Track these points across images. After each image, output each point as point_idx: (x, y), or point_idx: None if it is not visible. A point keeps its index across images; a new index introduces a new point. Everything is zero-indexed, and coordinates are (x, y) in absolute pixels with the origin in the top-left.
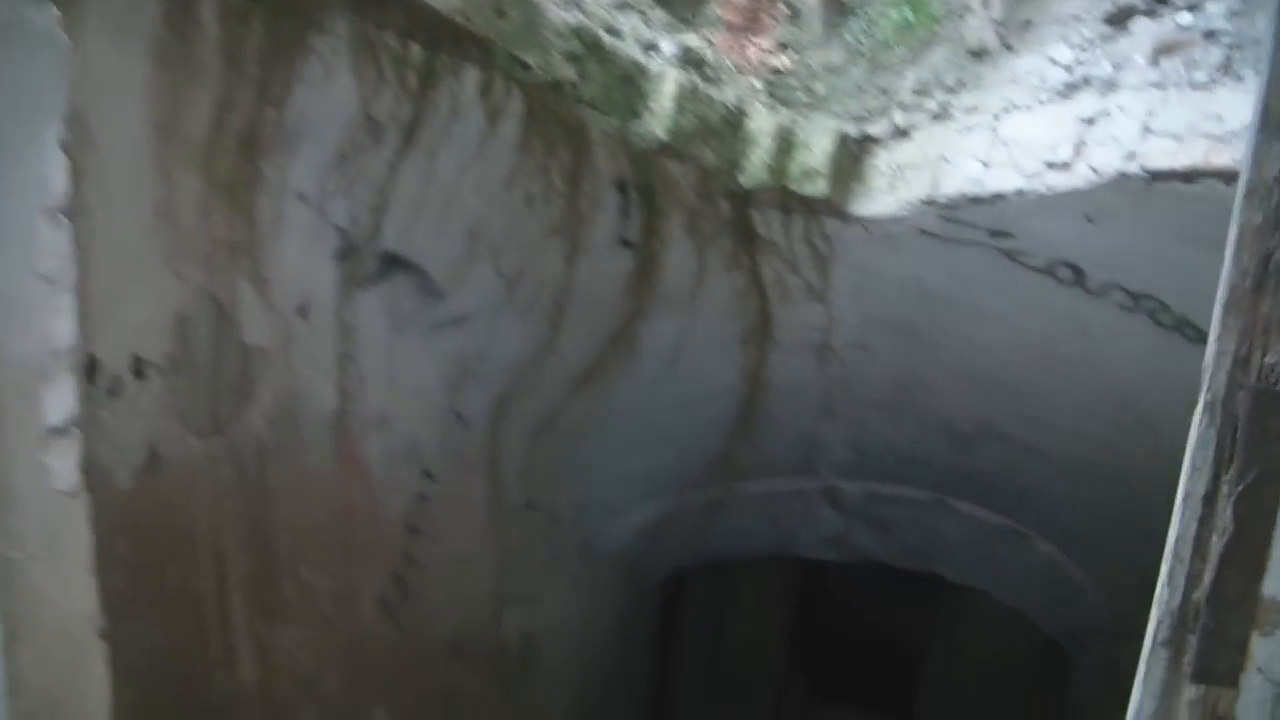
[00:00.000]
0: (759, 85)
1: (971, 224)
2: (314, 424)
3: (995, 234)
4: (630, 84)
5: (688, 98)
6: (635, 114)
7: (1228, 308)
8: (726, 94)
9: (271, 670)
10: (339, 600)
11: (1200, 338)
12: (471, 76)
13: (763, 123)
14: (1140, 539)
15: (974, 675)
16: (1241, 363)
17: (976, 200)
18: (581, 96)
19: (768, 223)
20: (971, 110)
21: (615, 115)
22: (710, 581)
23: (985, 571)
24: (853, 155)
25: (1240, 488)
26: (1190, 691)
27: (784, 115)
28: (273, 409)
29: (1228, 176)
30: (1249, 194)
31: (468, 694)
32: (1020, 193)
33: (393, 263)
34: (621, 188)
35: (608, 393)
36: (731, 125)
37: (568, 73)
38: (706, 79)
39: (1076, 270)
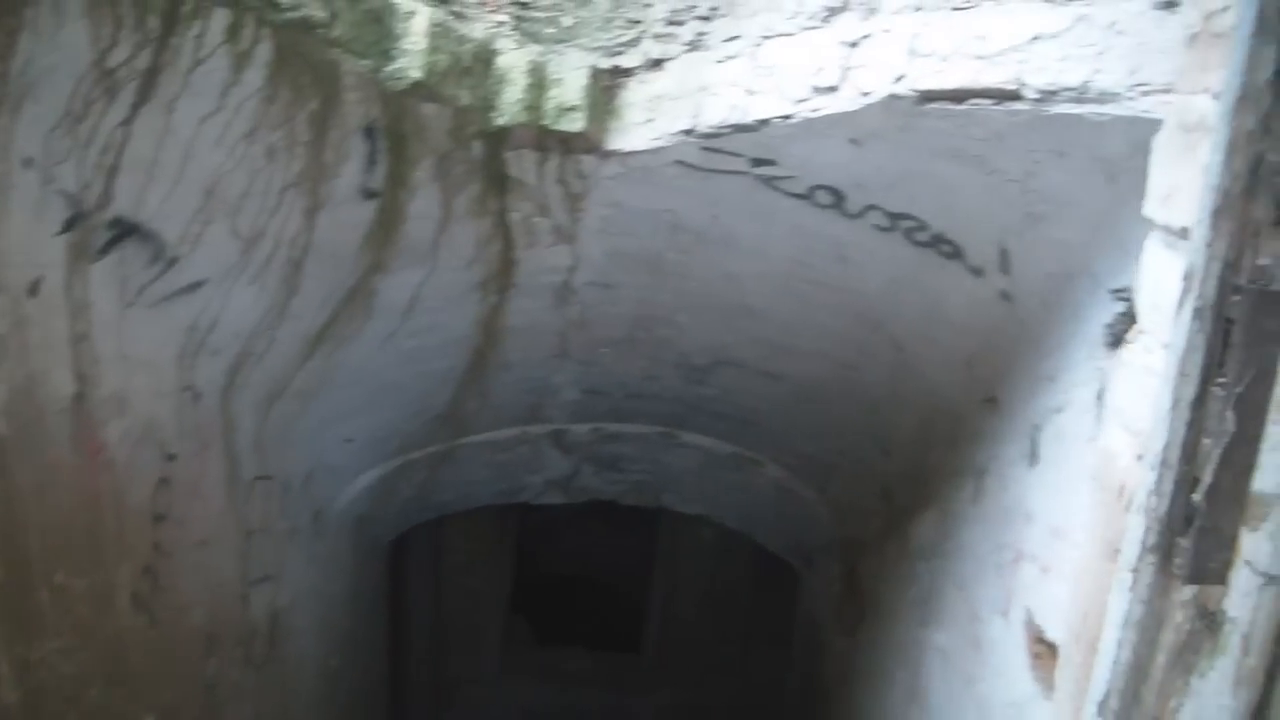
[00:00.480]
0: (505, 20)
1: (733, 153)
2: (54, 412)
3: (757, 162)
4: (380, 22)
5: (440, 35)
6: (387, 55)
7: (1219, 212)
8: (476, 30)
9: (34, 690)
10: (95, 604)
11: (956, 253)
12: (220, 18)
13: (514, 59)
14: (877, 453)
15: (696, 601)
16: (1232, 267)
17: (740, 128)
18: (332, 37)
19: (521, 164)
20: (730, 39)
21: (367, 57)
22: (429, 534)
23: (712, 500)
24: (607, 89)
25: (1239, 389)
26: (1183, 592)
27: (534, 50)
28: (11, 400)
29: (995, 95)
30: (1241, 98)
31: (225, 683)
32: (786, 118)
33: (124, 230)
34: (370, 134)
35: (338, 353)
36: (484, 63)
37: (318, 11)
38: (456, 15)
39: (836, 194)
